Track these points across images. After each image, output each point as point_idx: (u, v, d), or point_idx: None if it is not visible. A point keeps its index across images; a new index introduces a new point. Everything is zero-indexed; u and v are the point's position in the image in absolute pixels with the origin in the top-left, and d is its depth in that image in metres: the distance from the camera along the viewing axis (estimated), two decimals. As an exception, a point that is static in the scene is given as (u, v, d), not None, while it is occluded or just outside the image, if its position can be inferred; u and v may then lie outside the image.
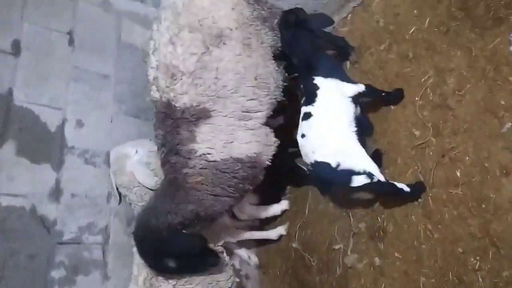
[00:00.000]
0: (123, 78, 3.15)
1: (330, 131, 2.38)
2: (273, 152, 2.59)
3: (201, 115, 2.36)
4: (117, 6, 3.26)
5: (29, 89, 2.68)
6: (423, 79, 2.48)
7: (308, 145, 2.41)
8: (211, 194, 2.40)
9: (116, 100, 3.09)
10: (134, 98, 3.16)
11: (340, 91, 2.43)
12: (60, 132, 2.77)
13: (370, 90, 2.52)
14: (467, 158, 2.22)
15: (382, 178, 2.30)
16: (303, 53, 2.55)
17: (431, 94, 2.44)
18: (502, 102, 2.13)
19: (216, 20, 2.39)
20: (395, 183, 2.36)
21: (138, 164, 2.79)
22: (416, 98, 2.50)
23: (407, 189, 2.35)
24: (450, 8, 2.42)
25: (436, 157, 2.35)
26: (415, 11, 2.62)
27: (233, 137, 2.42)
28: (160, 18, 2.45)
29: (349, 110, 2.43)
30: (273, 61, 2.61)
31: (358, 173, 2.28)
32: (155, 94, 2.44)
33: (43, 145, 2.70)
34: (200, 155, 2.36)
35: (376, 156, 2.54)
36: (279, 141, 2.62)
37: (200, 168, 2.37)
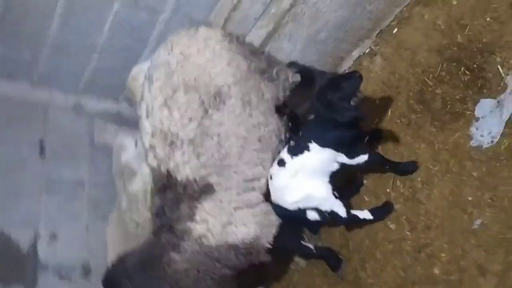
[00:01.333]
0: (97, 182, 3.13)
1: (296, 188, 2.40)
2: (275, 234, 2.39)
3: (204, 190, 2.24)
4: (89, 108, 3.28)
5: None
6: (391, 171, 2.49)
7: (273, 187, 2.44)
8: (193, 280, 2.25)
9: (92, 206, 3.06)
10: (110, 202, 3.12)
11: (332, 158, 2.42)
12: (33, 251, 2.73)
13: (375, 159, 2.48)
14: (443, 254, 2.17)
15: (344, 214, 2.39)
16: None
17: (401, 187, 2.43)
18: (470, 198, 2.11)
19: (213, 77, 2.27)
20: (357, 213, 2.43)
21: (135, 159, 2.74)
22: (388, 190, 2.48)
23: (370, 217, 2.43)
24: (409, 100, 2.46)
25: (413, 253, 2.30)
26: (377, 101, 2.66)
27: (233, 218, 2.28)
28: (151, 78, 2.32)
29: (328, 171, 2.45)
30: (275, 115, 2.50)
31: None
32: (153, 162, 2.29)
33: (16, 266, 2.65)
34: (195, 238, 2.21)
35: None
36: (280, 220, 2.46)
37: (191, 254, 2.22)
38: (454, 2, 2.49)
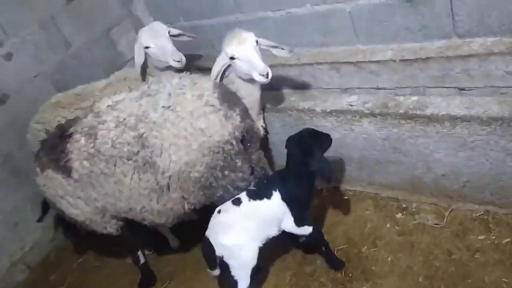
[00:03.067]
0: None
1: (236, 232, 2.43)
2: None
3: None
4: None
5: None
6: None
7: (215, 221, 2.48)
8: None
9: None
10: None
11: (280, 218, 2.46)
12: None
13: (317, 237, 2.59)
14: None
15: None
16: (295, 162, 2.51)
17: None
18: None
19: None
20: None
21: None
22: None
23: None
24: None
25: None
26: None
27: None
28: None
29: (268, 234, 2.50)
30: None
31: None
32: None
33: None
34: None
35: None
36: None
37: None
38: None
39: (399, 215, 2.83)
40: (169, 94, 2.55)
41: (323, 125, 2.82)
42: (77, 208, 2.71)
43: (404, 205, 2.88)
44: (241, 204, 2.45)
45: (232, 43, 2.67)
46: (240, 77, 2.77)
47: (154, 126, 2.49)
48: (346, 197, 3.08)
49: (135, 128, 2.52)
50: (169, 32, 3.17)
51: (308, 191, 2.52)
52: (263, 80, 2.61)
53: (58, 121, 2.96)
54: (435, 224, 2.68)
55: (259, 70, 2.57)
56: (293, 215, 2.46)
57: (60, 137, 2.69)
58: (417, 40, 2.90)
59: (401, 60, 2.94)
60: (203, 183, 2.51)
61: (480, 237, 2.51)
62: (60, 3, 3.70)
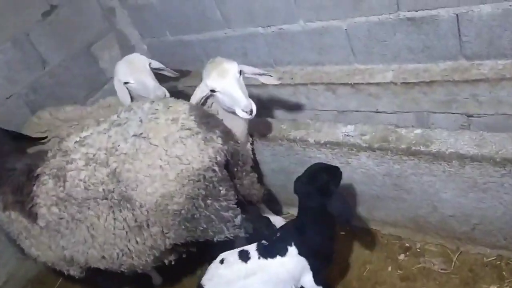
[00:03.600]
0: None
1: None
2: None
3: None
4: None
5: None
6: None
7: (216, 272, 2.23)
8: None
9: None
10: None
11: (297, 277, 2.16)
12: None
13: None
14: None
15: None
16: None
17: None
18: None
19: None
20: None
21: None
22: None
23: None
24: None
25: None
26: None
27: None
28: None
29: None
30: None
31: None
32: None
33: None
34: None
35: None
36: None
37: None
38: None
39: (402, 257, 2.55)
40: (140, 121, 2.29)
41: (317, 156, 2.55)
42: (40, 250, 2.44)
43: (407, 245, 2.61)
44: (249, 261, 2.18)
45: (212, 75, 2.46)
46: (223, 108, 2.51)
47: (126, 158, 2.22)
48: (342, 233, 2.80)
49: (106, 164, 2.25)
50: (149, 64, 2.88)
51: (331, 239, 2.21)
52: (246, 116, 2.40)
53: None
54: (442, 269, 2.40)
55: (242, 106, 2.37)
56: (312, 270, 2.16)
57: (27, 177, 2.40)
58: (420, 61, 2.64)
59: (403, 83, 2.67)
60: (184, 216, 2.23)
61: (492, 287, 2.24)
62: (35, 18, 3.43)
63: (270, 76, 2.65)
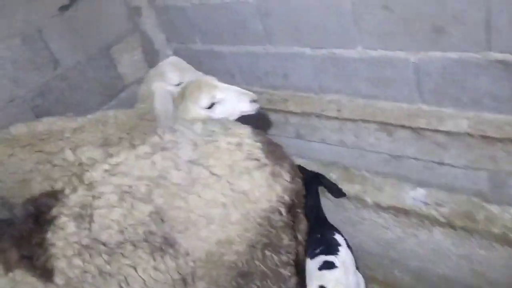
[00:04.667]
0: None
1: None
2: None
3: None
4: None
5: None
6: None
7: None
8: None
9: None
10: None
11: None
12: None
13: None
14: None
15: None
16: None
17: None
18: None
19: None
20: None
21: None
22: None
23: None
24: None
25: None
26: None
27: None
28: None
29: None
30: None
31: None
32: None
33: None
34: None
35: None
36: None
37: None
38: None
39: None
40: (195, 144, 1.83)
41: (373, 219, 2.09)
42: None
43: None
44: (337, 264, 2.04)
45: (202, 92, 2.32)
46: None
47: (177, 191, 1.76)
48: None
49: (149, 199, 1.78)
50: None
51: None
52: (255, 106, 2.34)
53: (13, 169, 2.24)
54: None
55: (250, 97, 2.31)
56: None
57: (35, 222, 1.84)
58: (505, 111, 2.17)
59: (481, 136, 2.20)
60: (240, 269, 1.77)
61: None
62: (50, 12, 3.00)
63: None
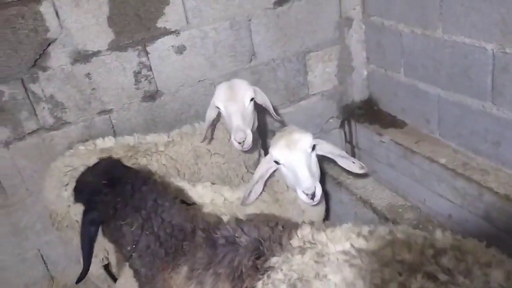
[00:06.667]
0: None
1: None
2: None
3: None
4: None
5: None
6: None
7: None
8: None
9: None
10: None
11: None
12: None
13: None
14: None
15: None
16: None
17: None
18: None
19: None
20: None
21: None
22: None
23: None
24: None
25: None
26: None
27: None
28: None
29: None
30: None
31: None
32: None
33: None
34: None
35: None
36: None
37: None
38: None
39: None
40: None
41: None
42: None
43: None
44: None
45: (279, 144, 2.18)
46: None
47: None
48: None
49: None
50: (251, 99, 2.45)
51: None
52: (306, 200, 2.10)
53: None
54: None
55: (303, 187, 2.07)
56: None
57: (253, 262, 1.62)
58: None
59: None
60: None
61: None
62: (264, 5, 2.91)
63: (353, 162, 2.34)
